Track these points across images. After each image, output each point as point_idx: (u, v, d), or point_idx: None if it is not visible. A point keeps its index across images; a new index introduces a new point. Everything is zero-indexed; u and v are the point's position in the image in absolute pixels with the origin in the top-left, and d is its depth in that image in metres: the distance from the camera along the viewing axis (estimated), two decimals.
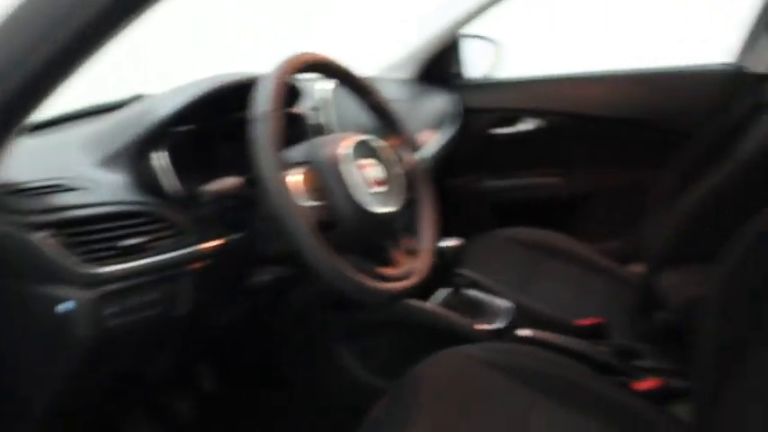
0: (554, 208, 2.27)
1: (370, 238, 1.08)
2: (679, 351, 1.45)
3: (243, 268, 1.14)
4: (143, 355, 1.21)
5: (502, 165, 2.28)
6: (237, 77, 1.20)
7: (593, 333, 1.55)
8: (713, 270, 1.18)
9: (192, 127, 1.17)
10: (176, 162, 1.10)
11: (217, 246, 1.08)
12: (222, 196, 1.04)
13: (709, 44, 2.34)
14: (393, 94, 1.85)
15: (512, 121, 2.23)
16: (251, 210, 1.08)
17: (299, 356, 1.57)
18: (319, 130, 1.40)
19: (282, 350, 1.58)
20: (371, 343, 1.49)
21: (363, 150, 1.08)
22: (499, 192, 2.29)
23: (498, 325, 1.47)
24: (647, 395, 1.33)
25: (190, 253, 1.05)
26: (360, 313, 1.47)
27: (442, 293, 1.55)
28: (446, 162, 2.10)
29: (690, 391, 1.26)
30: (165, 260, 1.02)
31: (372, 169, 1.08)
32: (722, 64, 2.18)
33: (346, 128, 1.45)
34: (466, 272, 1.59)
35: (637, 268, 2.03)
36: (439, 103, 2.10)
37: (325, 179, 1.02)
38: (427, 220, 1.24)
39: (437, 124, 1.99)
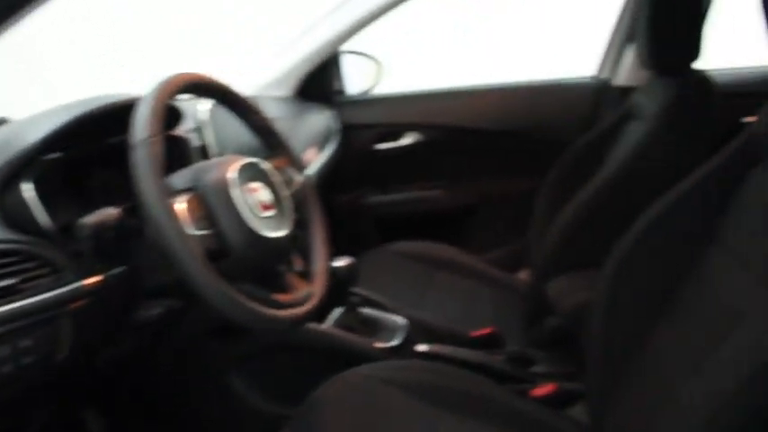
0: (439, 220, 2.29)
1: (263, 264, 1.03)
2: (571, 355, 1.49)
3: (128, 303, 1.04)
4: (20, 408, 1.09)
5: (385, 180, 2.28)
6: (112, 100, 1.11)
7: (488, 343, 1.57)
8: (598, 275, 1.22)
9: (63, 154, 1.07)
10: (48, 193, 1.00)
11: (97, 282, 0.98)
12: (101, 229, 0.95)
13: (579, 58, 2.45)
14: (273, 112, 1.80)
15: (393, 136, 2.24)
16: (133, 241, 0.99)
17: (193, 389, 1.47)
18: (202, 153, 1.33)
19: (174, 383, 1.48)
20: (268, 369, 1.43)
21: (250, 173, 1.03)
22: (383, 206, 2.29)
23: (395, 342, 1.45)
24: (545, 400, 1.35)
25: (68, 292, 0.95)
26: (254, 339, 1.40)
27: (336, 314, 1.51)
28: (329, 179, 2.07)
29: (584, 393, 1.29)
30: (40, 302, 0.92)
31: (260, 193, 1.03)
32: (590, 77, 2.29)
33: (229, 148, 1.39)
34: (358, 290, 1.56)
35: (524, 276, 2.09)
36: (320, 120, 2.07)
37: (213, 205, 0.95)
38: (319, 241, 1.20)
39: (319, 142, 1.95)
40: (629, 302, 1.15)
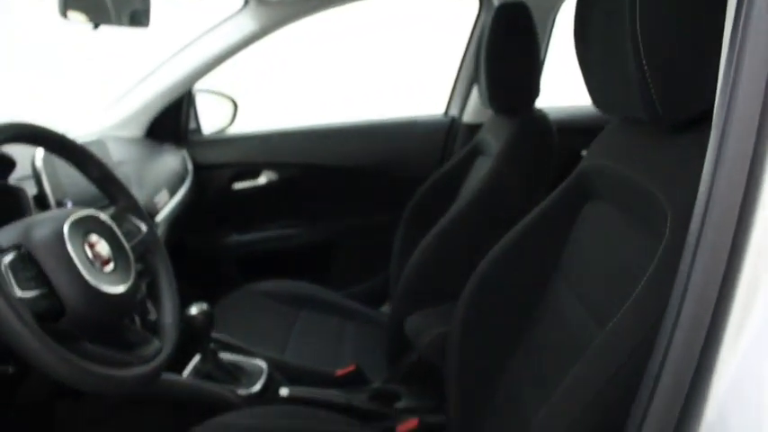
0: (300, 258, 2.28)
1: (105, 321, 0.96)
2: (432, 389, 1.52)
3: None
4: None
5: (244, 219, 2.25)
6: None
7: (352, 381, 1.57)
8: (451, 308, 1.25)
9: None
10: None
11: None
12: None
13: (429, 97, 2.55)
14: (120, 154, 1.72)
15: (250, 174, 2.22)
16: None
17: None
18: (38, 203, 1.24)
19: None
20: (124, 427, 1.34)
21: (87, 226, 0.96)
22: (243, 246, 2.25)
23: (256, 388, 1.41)
24: None
25: None
26: (106, 397, 1.31)
27: (194, 362, 1.45)
28: (185, 221, 2.01)
29: (445, 425, 1.32)
30: None
31: (99, 246, 0.97)
32: (441, 115, 2.38)
33: (68, 195, 1.31)
34: (218, 335, 1.51)
35: (387, 309, 2.12)
36: (171, 160, 2.00)
37: (45, 263, 0.88)
38: (166, 291, 1.15)
39: (172, 183, 1.89)
40: (483, 334, 1.19)
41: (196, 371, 1.44)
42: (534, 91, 1.67)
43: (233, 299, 1.89)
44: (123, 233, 1.04)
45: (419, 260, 1.59)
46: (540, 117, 1.67)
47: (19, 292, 0.83)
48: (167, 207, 1.75)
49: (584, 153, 1.16)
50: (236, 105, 2.22)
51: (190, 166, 2.07)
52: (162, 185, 1.77)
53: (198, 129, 2.22)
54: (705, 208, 0.61)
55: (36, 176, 1.28)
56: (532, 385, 1.03)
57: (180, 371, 1.44)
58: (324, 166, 2.24)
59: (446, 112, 2.39)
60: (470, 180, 1.87)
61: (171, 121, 2.09)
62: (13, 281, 0.83)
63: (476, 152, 1.89)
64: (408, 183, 2.10)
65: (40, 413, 1.33)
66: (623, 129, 1.03)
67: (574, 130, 1.92)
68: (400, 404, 1.51)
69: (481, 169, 1.76)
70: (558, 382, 0.84)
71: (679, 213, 0.75)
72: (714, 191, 0.60)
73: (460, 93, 2.33)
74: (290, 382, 1.50)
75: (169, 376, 1.38)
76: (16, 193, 1.16)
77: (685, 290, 0.62)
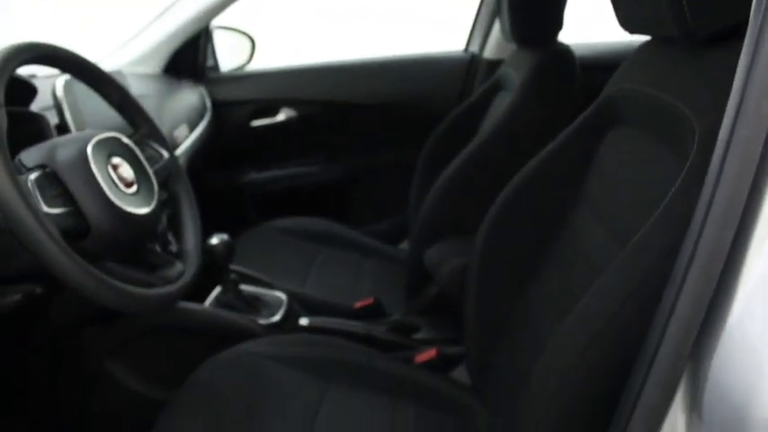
0: (319, 196, 2.28)
1: (128, 242, 0.97)
2: (451, 320, 1.53)
3: None
4: None
5: (262, 157, 2.24)
6: None
7: (370, 313, 1.58)
8: (471, 240, 1.25)
9: None
10: None
11: None
12: None
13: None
14: (139, 89, 1.71)
15: (268, 112, 2.20)
16: None
17: (69, 379, 1.39)
18: (60, 132, 1.24)
19: (48, 376, 1.38)
20: (147, 354, 1.37)
21: (110, 148, 0.97)
22: (262, 184, 2.25)
23: (276, 318, 1.43)
24: (428, 365, 1.38)
25: None
26: (130, 324, 1.34)
27: (215, 293, 1.47)
28: (203, 158, 2.01)
29: (464, 355, 1.34)
30: None
31: (122, 169, 0.97)
32: (461, 51, 2.34)
33: (89, 126, 1.31)
34: (238, 268, 1.53)
35: (406, 246, 2.13)
36: (190, 97, 1.99)
37: (70, 182, 0.88)
38: (189, 218, 1.15)
39: (191, 119, 1.88)
40: (503, 263, 1.20)
41: (217, 301, 1.46)
42: (558, 23, 1.63)
43: (251, 235, 1.90)
44: (145, 158, 1.04)
45: (439, 194, 1.58)
46: (564, 50, 1.63)
47: (46, 208, 0.84)
48: (187, 141, 1.75)
49: None
50: (253, 42, 2.19)
51: (208, 103, 2.07)
52: (181, 120, 1.77)
53: (215, 66, 2.20)
54: (733, 123, 0.59)
55: (57, 106, 1.28)
56: (551, 310, 1.03)
57: (201, 301, 1.46)
58: (343, 103, 2.22)
59: (466, 49, 2.35)
60: (490, 116, 1.85)
61: (188, 58, 2.07)
62: (39, 197, 0.84)
63: (497, 88, 1.86)
64: (428, 120, 2.08)
65: (68, 340, 1.36)
66: (650, 51, 1.01)
67: (597, 67, 1.88)
68: (419, 335, 1.53)
69: (502, 105, 1.74)
70: (571, 305, 0.85)
71: (707, 131, 0.73)
72: (743, 106, 0.58)
73: (481, 28, 2.28)
74: (309, 314, 1.52)
75: (191, 305, 1.40)
76: (38, 120, 1.17)
77: (709, 207, 0.61)
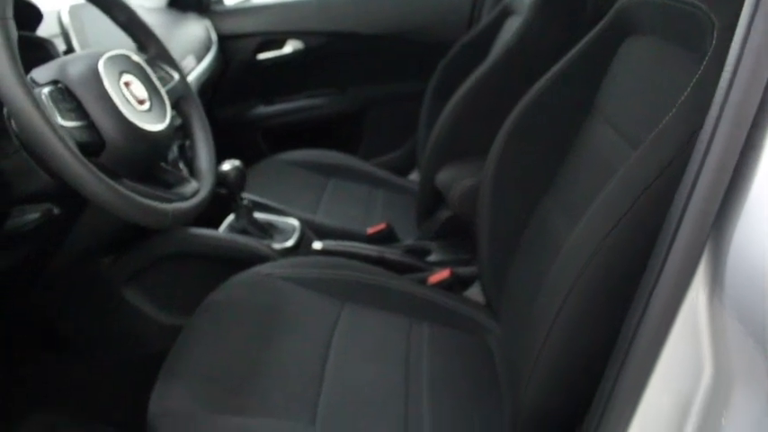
0: (327, 128, 2.27)
1: (142, 159, 0.97)
2: (463, 242, 1.54)
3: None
4: None
5: (269, 90, 2.22)
6: None
7: (383, 238, 1.59)
8: (483, 162, 1.25)
9: None
10: None
11: None
12: None
13: None
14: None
15: (275, 44, 2.17)
16: None
17: (84, 308, 1.41)
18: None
19: (65, 304, 1.41)
20: (164, 280, 1.39)
21: (121, 65, 0.96)
22: (269, 118, 2.24)
23: (290, 243, 1.44)
24: (442, 285, 1.39)
25: None
26: (146, 250, 1.35)
27: (228, 220, 1.48)
28: (210, 92, 1.99)
29: (478, 274, 1.35)
30: None
31: (134, 86, 0.97)
32: None
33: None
34: (249, 196, 1.53)
35: (415, 178, 2.13)
36: (196, 29, 1.96)
37: (84, 97, 0.88)
38: (201, 138, 1.15)
39: (197, 51, 1.86)
40: (516, 180, 1.20)
41: (230, 228, 1.47)
42: None
43: (261, 168, 1.90)
44: (155, 78, 1.04)
45: (450, 117, 1.57)
46: None
47: (61, 121, 0.83)
48: (194, 72, 1.73)
49: None
50: None
51: (213, 36, 2.04)
52: (188, 51, 1.75)
53: None
54: (752, 15, 0.58)
55: (64, 33, 1.26)
56: (565, 219, 1.03)
57: (215, 229, 1.47)
58: (350, 34, 2.19)
59: None
60: (499, 41, 1.82)
61: None
62: (54, 110, 0.83)
63: (506, 13, 1.83)
64: (436, 49, 2.05)
65: (84, 269, 1.38)
66: None
67: None
68: (431, 258, 1.54)
69: (511, 30, 1.71)
70: (587, 207, 0.85)
71: (726, 26, 0.72)
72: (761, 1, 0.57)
73: None
74: (322, 239, 1.53)
75: (205, 231, 1.41)
76: (46, 45, 1.16)
77: (725, 101, 0.60)
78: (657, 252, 0.58)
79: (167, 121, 0.99)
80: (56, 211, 1.01)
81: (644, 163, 0.76)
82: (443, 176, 1.49)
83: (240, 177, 1.39)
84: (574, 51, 1.14)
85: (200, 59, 1.84)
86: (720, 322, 0.56)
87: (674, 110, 0.75)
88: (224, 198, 1.45)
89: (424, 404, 1.03)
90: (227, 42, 2.10)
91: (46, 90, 0.85)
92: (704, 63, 0.74)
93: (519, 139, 1.20)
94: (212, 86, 1.91)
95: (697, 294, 0.56)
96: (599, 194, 0.82)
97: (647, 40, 0.99)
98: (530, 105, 1.18)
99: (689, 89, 0.74)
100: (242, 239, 1.40)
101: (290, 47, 2.17)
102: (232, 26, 2.13)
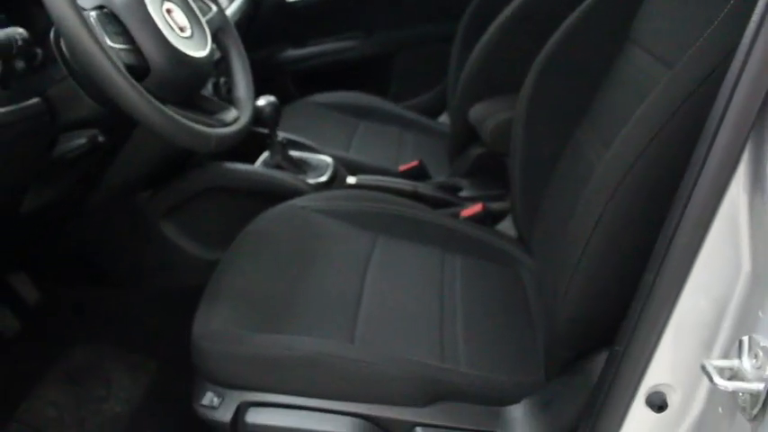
0: (357, 71, 2.27)
1: (185, 84, 0.99)
2: (495, 178, 1.55)
3: (47, 137, 0.99)
4: None
5: (299, 33, 2.22)
6: None
7: (416, 175, 1.61)
8: (515, 97, 1.25)
9: None
10: None
11: (7, 114, 0.92)
12: (8, 53, 0.87)
13: None
14: None
15: None
16: (44, 71, 0.93)
17: (122, 242, 1.45)
18: None
19: (106, 237, 1.45)
20: (200, 215, 1.42)
21: None
22: (299, 61, 2.24)
23: (324, 178, 1.46)
24: (474, 219, 1.41)
25: None
26: (183, 184, 1.38)
27: (263, 156, 1.51)
28: (242, 35, 1.98)
29: (510, 209, 1.36)
30: None
31: (175, 14, 0.99)
32: None
33: None
34: (283, 134, 1.55)
35: (445, 119, 2.13)
36: None
37: (128, 20, 0.90)
38: (240, 68, 1.16)
39: None
40: (550, 110, 1.20)
41: (265, 164, 1.50)
42: None
43: (292, 109, 1.92)
44: (195, 7, 1.05)
45: (482, 54, 1.57)
46: None
47: (109, 42, 0.85)
48: (227, 10, 1.73)
49: None
50: None
51: None
52: None
53: None
54: None
55: None
56: (598, 145, 1.04)
57: (250, 164, 1.49)
58: None
59: None
60: None
61: None
62: (102, 32, 0.85)
63: None
64: None
65: (123, 202, 1.41)
66: None
67: None
68: (463, 194, 1.55)
69: None
70: (618, 131, 0.85)
71: None
72: None
73: None
74: (355, 175, 1.55)
75: (241, 166, 1.43)
76: None
77: (760, 25, 0.59)
78: (697, 154, 0.59)
79: (208, 48, 1.01)
80: (100, 138, 1.03)
81: (681, 78, 0.76)
82: (476, 112, 1.49)
83: (275, 113, 1.41)
84: None
85: (231, 0, 1.84)
86: (759, 220, 0.57)
87: (711, 27, 0.75)
88: (258, 135, 1.47)
89: (459, 328, 1.06)
90: None
91: (93, 14, 0.87)
92: None
93: (552, 72, 1.19)
94: (243, 29, 1.91)
95: (738, 192, 0.57)
96: (629, 119, 0.82)
97: None
98: (563, 38, 1.18)
99: (727, 6, 0.74)
100: (278, 174, 1.43)
101: None
102: None
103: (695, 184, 0.58)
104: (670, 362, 0.64)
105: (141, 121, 0.85)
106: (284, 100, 1.97)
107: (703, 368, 0.58)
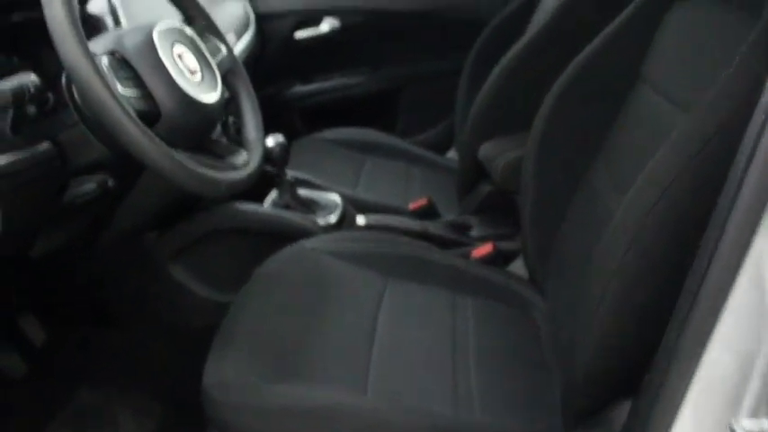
0: (364, 107, 2.27)
1: (196, 129, 0.99)
2: (505, 217, 1.54)
3: (57, 181, 0.99)
4: None
5: (306, 69, 2.23)
6: None
7: (425, 214, 1.60)
8: (526, 135, 1.25)
9: None
10: None
11: (19, 160, 0.92)
12: (20, 98, 0.87)
13: None
14: None
15: (311, 22, 2.17)
16: (56, 116, 0.93)
17: (132, 284, 1.44)
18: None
19: (114, 280, 1.44)
20: (209, 257, 1.41)
21: (174, 37, 0.98)
22: (307, 97, 2.24)
23: (334, 218, 1.45)
24: (485, 260, 1.39)
25: None
26: (192, 226, 1.37)
27: (272, 196, 1.50)
28: (250, 71, 1.99)
29: (521, 249, 1.34)
30: None
31: (186, 57, 0.99)
32: None
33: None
34: (291, 172, 1.54)
35: (452, 155, 2.12)
36: (234, 8, 1.97)
37: (139, 66, 0.90)
38: (249, 110, 1.16)
39: (236, 29, 1.87)
40: (561, 149, 1.19)
41: (274, 204, 1.49)
42: None
43: (299, 146, 1.91)
44: (206, 50, 1.05)
45: (491, 90, 1.56)
46: None
47: (121, 89, 0.85)
48: (235, 49, 1.74)
49: None
50: None
51: (251, 15, 2.05)
52: (228, 29, 1.76)
53: None
54: None
55: (112, 9, 1.28)
56: (612, 188, 1.03)
57: (258, 204, 1.49)
58: (386, 11, 2.17)
59: None
60: (538, 16, 1.80)
61: None
62: (114, 78, 0.85)
63: None
64: (472, 25, 2.03)
65: (132, 244, 1.40)
66: None
67: None
68: (474, 233, 1.54)
69: (549, 4, 1.69)
70: (635, 175, 0.84)
71: None
72: None
73: None
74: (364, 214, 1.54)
75: (249, 206, 1.43)
76: (96, 21, 1.18)
77: None
78: (721, 205, 0.57)
79: (219, 91, 1.01)
80: (110, 183, 1.03)
81: (701, 123, 0.75)
82: (486, 150, 1.49)
83: (284, 152, 1.40)
84: (618, 20, 1.13)
85: (239, 37, 1.85)
86: None
87: (728, 72, 0.74)
88: (266, 174, 1.47)
89: (473, 375, 1.04)
90: (263, 21, 2.10)
91: (105, 59, 0.87)
92: (761, 24, 0.73)
93: (563, 110, 1.19)
94: (251, 65, 1.92)
95: (764, 242, 0.56)
96: (646, 164, 0.81)
97: (695, 5, 0.97)
98: (574, 76, 1.17)
99: (746, 48, 0.73)
100: (287, 214, 1.42)
101: (326, 25, 2.16)
102: (268, 5, 2.14)
103: (721, 235, 0.57)
104: (696, 421, 0.62)
105: (152, 168, 0.84)
106: (292, 136, 1.98)
107: (731, 429, 0.56)
